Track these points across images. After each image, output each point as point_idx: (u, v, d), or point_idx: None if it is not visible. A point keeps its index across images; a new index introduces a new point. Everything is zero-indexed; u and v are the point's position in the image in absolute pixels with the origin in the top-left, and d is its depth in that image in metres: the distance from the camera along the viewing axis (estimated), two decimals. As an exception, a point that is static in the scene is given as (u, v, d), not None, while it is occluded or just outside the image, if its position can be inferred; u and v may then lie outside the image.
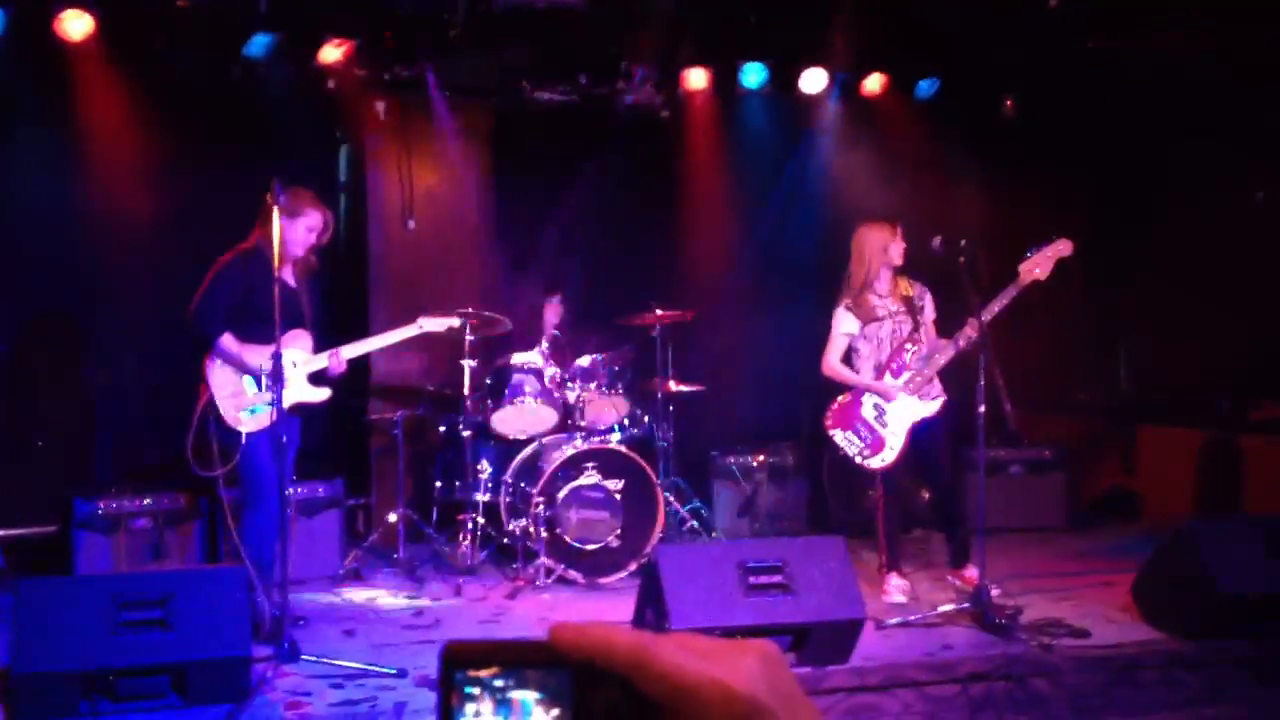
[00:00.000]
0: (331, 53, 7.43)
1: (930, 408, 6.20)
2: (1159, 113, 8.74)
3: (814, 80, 8.39)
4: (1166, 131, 8.86)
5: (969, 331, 5.91)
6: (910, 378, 6.19)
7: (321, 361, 5.93)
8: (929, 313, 6.36)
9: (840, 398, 6.32)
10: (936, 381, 6.23)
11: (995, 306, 5.89)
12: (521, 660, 0.80)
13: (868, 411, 6.24)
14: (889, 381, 6.22)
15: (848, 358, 6.37)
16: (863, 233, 6.38)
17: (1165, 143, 8.95)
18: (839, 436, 6.26)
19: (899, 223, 6.37)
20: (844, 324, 6.35)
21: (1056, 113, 9.09)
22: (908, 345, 6.25)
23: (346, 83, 7.78)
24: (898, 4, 8.02)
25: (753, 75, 8.37)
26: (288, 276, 5.81)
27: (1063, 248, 5.95)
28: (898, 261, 6.31)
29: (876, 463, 6.21)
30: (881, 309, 6.32)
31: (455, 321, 6.47)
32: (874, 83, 8.61)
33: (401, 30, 7.51)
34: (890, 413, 6.21)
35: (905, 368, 6.23)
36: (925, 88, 8.72)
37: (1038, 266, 5.91)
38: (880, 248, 6.30)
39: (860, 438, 6.21)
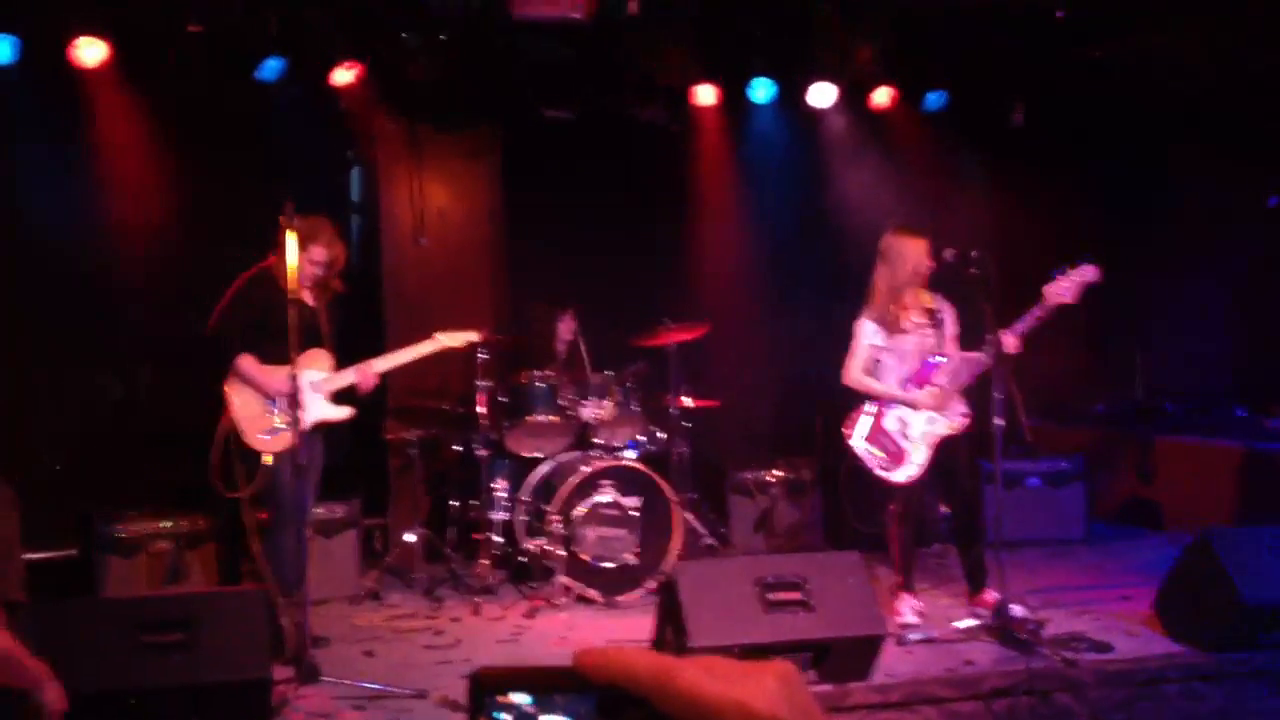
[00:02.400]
0: (343, 75, 7.47)
1: (955, 425, 6.06)
2: (1168, 118, 8.75)
3: (822, 94, 8.41)
4: (1176, 137, 8.87)
5: (998, 346, 5.81)
6: (935, 393, 6.11)
7: (345, 379, 5.95)
8: (949, 327, 6.17)
9: (863, 407, 6.19)
10: (960, 398, 6.12)
11: (1020, 328, 5.79)
12: (548, 684, 0.81)
13: (891, 424, 6.10)
14: (914, 393, 6.09)
15: (873, 370, 6.21)
16: (898, 241, 6.10)
17: (1175, 148, 8.96)
18: (860, 448, 6.12)
19: (926, 235, 6.11)
20: (868, 335, 6.15)
21: (1065, 121, 9.11)
22: (932, 359, 6.14)
23: (358, 104, 7.83)
24: (906, 17, 8.08)
25: (761, 90, 8.40)
26: (306, 297, 5.84)
27: (1089, 273, 5.77)
28: (923, 274, 6.08)
29: (898, 476, 6.07)
30: (905, 321, 6.14)
31: (474, 335, 6.44)
32: (882, 95, 8.63)
33: (411, 52, 7.55)
34: (914, 426, 6.08)
35: (928, 383, 6.10)
36: (934, 100, 8.74)
37: (1065, 290, 5.76)
38: (901, 258, 6.07)
39: (882, 450, 6.10)
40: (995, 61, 8.48)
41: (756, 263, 9.10)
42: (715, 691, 0.80)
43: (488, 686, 0.82)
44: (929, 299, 6.18)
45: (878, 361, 6.20)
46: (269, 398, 5.71)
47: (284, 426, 5.63)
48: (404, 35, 7.43)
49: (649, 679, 0.81)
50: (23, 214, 7.35)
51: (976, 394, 6.12)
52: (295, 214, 5.38)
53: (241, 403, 5.71)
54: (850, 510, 7.93)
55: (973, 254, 5.92)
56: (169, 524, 6.78)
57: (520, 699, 0.81)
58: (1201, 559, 5.57)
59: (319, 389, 5.86)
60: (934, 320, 6.13)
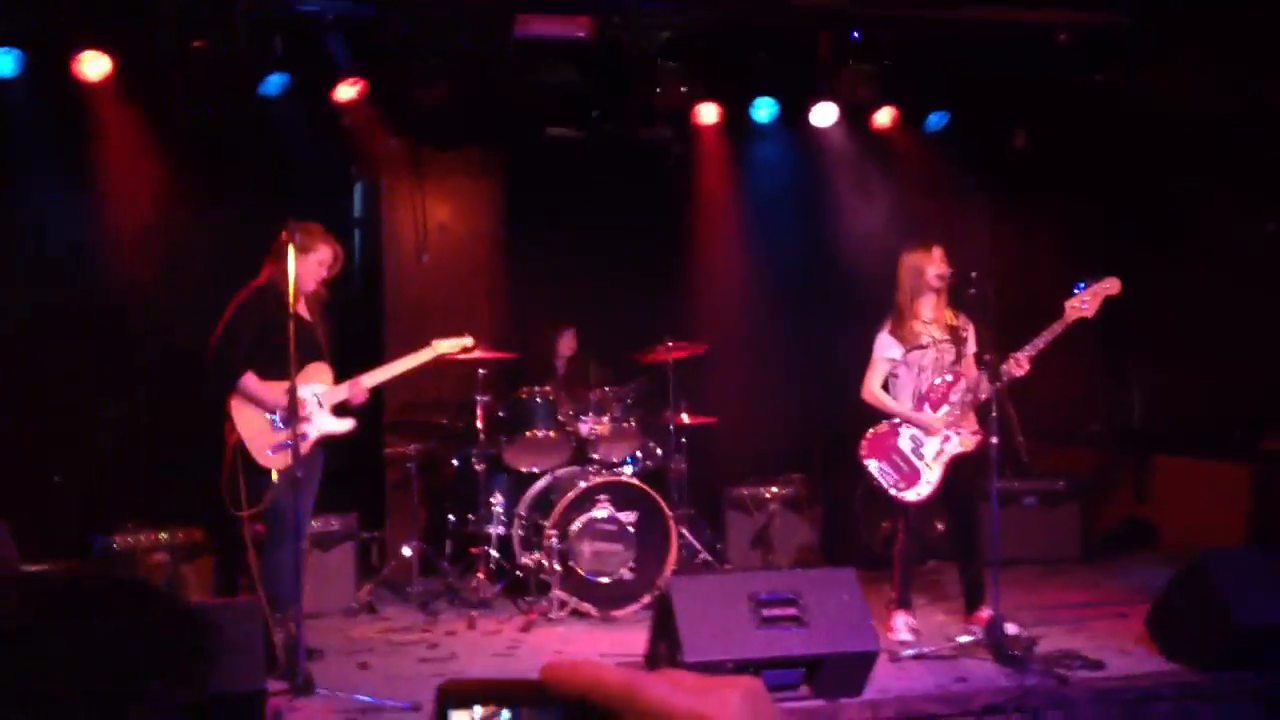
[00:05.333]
0: (346, 91, 7.50)
1: (967, 444, 6.07)
2: (1169, 143, 8.77)
3: (824, 114, 8.44)
4: (1176, 162, 8.88)
5: (1011, 369, 5.80)
6: (949, 412, 6.09)
7: (343, 392, 5.98)
8: (970, 345, 6.19)
9: (876, 426, 6.17)
10: (972, 417, 6.11)
11: (1039, 343, 5.79)
12: (515, 698, 0.83)
13: (904, 443, 6.11)
14: (928, 414, 6.12)
15: (889, 384, 6.24)
16: (902, 257, 6.22)
17: (1175, 172, 8.97)
18: (873, 466, 6.11)
19: (937, 244, 6.20)
20: (886, 349, 6.20)
21: (1066, 144, 9.13)
22: (949, 377, 6.14)
23: (361, 120, 7.86)
24: (908, 39, 8.12)
25: (763, 110, 8.42)
26: (302, 310, 5.86)
27: (1110, 286, 5.81)
28: (936, 284, 6.13)
29: (911, 496, 6.08)
30: (925, 336, 6.16)
31: (468, 341, 6.46)
32: (884, 116, 8.66)
33: (414, 69, 7.57)
34: (928, 446, 6.09)
35: (945, 401, 6.11)
36: (935, 121, 8.76)
37: (1085, 304, 5.78)
38: (915, 270, 6.15)
39: (896, 470, 6.09)
40: (997, 84, 8.50)
41: (757, 281, 9.12)
42: (681, 706, 0.82)
43: (454, 699, 0.83)
44: (952, 316, 6.21)
45: (894, 376, 6.23)
46: (273, 413, 5.73)
47: (290, 441, 5.65)
48: (409, 54, 7.44)
49: (616, 693, 0.82)
50: (24, 227, 7.38)
51: (975, 413, 6.15)
52: (297, 226, 5.44)
53: (246, 420, 5.72)
54: (865, 528, 7.95)
55: (972, 275, 5.95)
56: (165, 536, 6.79)
57: (487, 712, 0.83)
58: (1196, 579, 5.58)
59: (323, 402, 5.90)
60: (955, 337, 6.15)
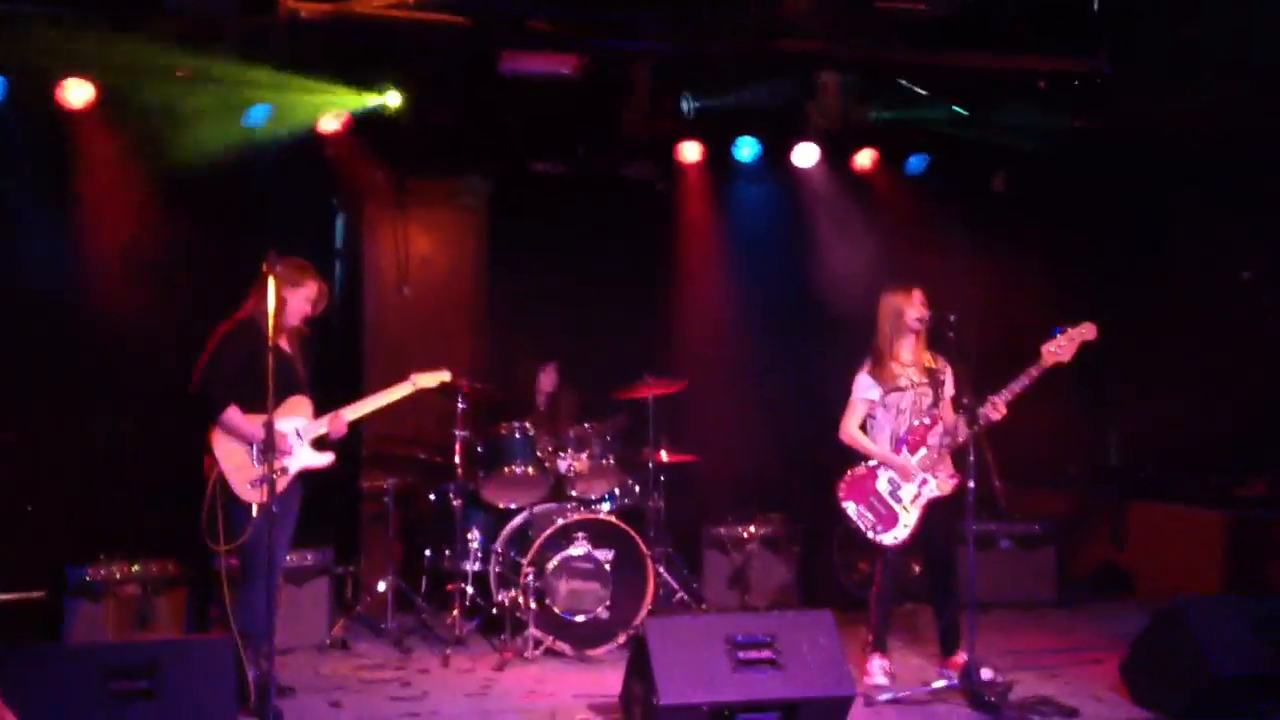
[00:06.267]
0: (329, 123, 7.51)
1: (944, 487, 6.07)
2: (1147, 189, 8.85)
3: (806, 154, 8.49)
4: (1155, 207, 8.97)
5: (988, 412, 5.84)
6: (927, 455, 6.10)
7: (323, 426, 5.94)
8: (948, 389, 6.20)
9: (855, 468, 6.17)
10: (949, 460, 6.13)
11: (1015, 388, 5.82)
12: None
13: (882, 486, 6.11)
14: (906, 457, 6.13)
15: (867, 426, 6.25)
16: (889, 297, 6.24)
17: (1154, 218, 9.06)
18: (851, 509, 6.10)
19: (918, 286, 6.23)
20: (864, 389, 6.21)
21: (1046, 188, 9.20)
22: (926, 420, 6.15)
23: (344, 151, 7.86)
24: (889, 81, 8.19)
25: (746, 149, 8.47)
26: (283, 344, 5.83)
27: (1086, 331, 5.85)
28: (915, 327, 6.16)
29: (889, 539, 6.06)
30: (904, 378, 6.18)
31: (446, 375, 6.44)
32: (865, 158, 8.72)
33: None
34: (905, 489, 6.10)
35: (922, 444, 6.13)
36: (916, 163, 8.83)
37: (1061, 348, 5.82)
38: (894, 313, 6.18)
39: (873, 512, 6.09)
40: (977, 128, 8.57)
41: (738, 317, 9.13)
42: None
43: None
44: (930, 359, 6.24)
45: (872, 417, 6.24)
46: (255, 446, 5.67)
47: (272, 475, 5.60)
48: (393, 86, 7.45)
49: None
50: (4, 254, 7.33)
51: (952, 456, 6.16)
52: (278, 258, 5.41)
53: (228, 453, 5.66)
54: (841, 570, 7.93)
55: (950, 318, 5.97)
56: (138, 568, 6.72)
57: None
58: (1172, 628, 5.58)
59: (304, 436, 5.86)
60: (934, 380, 6.17)
